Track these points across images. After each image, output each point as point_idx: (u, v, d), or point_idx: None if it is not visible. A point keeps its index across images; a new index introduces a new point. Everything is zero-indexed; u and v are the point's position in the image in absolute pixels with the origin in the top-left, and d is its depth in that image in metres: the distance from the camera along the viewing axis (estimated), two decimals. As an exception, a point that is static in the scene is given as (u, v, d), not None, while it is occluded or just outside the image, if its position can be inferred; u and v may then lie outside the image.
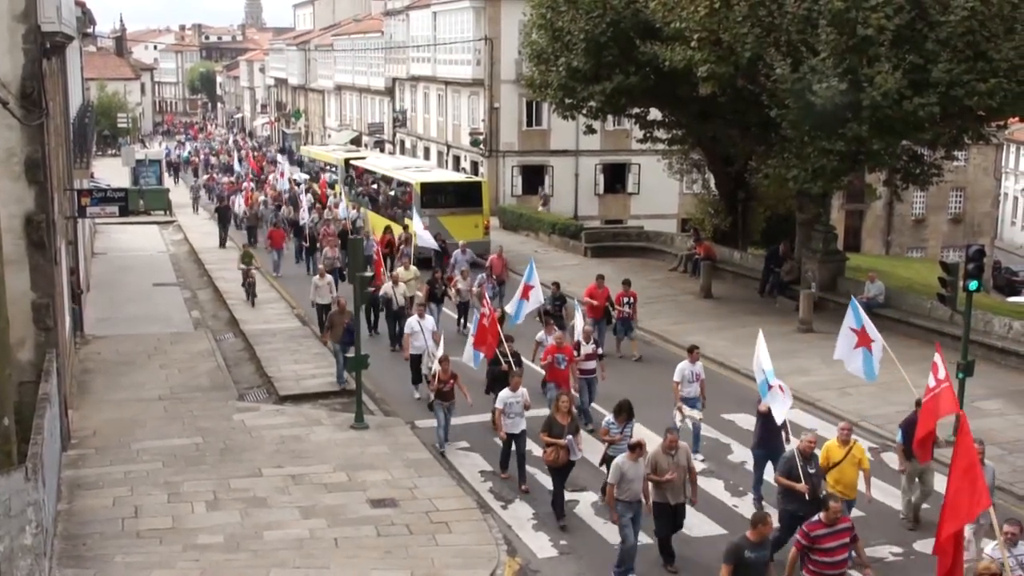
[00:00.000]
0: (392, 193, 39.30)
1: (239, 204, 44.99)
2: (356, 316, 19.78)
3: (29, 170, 15.76)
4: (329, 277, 26.50)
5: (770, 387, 14.92)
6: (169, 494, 15.65)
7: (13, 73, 15.47)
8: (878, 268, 31.38)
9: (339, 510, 15.21)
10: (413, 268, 27.01)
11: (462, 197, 35.91)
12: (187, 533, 14.33)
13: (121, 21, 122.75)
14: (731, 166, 34.79)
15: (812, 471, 13.37)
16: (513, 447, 16.52)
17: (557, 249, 39.33)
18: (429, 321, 21.18)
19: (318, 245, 34.09)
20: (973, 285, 18.23)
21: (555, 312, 23.66)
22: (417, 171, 39.64)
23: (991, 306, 28.21)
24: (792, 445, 14.25)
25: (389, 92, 65.07)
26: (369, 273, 25.59)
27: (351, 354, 19.86)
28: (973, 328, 20.12)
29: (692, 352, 18.16)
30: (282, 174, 49.84)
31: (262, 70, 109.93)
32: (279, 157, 64.54)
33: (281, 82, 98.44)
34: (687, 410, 17.63)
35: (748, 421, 19.37)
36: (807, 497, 13.07)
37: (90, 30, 35.72)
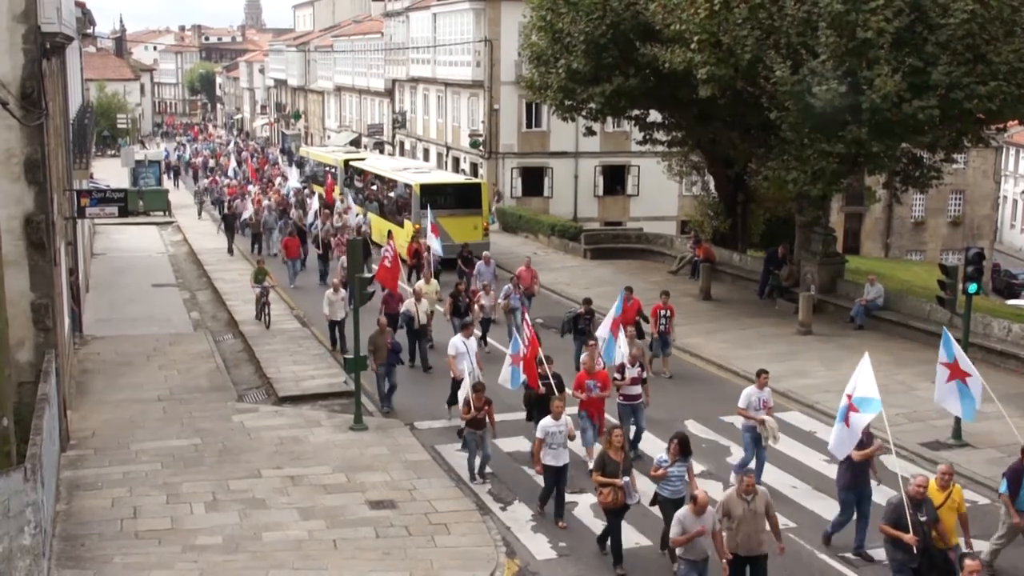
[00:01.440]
0: (391, 194, 39.31)
1: (249, 209, 41.62)
2: (356, 317, 19.70)
3: (29, 171, 15.77)
4: (344, 291, 24.24)
5: (850, 410, 13.51)
6: (168, 495, 15.64)
7: (13, 73, 15.48)
8: (877, 271, 31.44)
9: (338, 511, 15.20)
10: (434, 281, 25.95)
11: (461, 199, 35.91)
12: (186, 534, 14.32)
13: (121, 22, 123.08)
14: (731, 168, 34.80)
15: (923, 518, 12.19)
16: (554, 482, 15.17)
17: (556, 251, 39.34)
18: (473, 342, 19.75)
19: (332, 254, 32.76)
20: (972, 288, 18.25)
21: (584, 329, 22.32)
22: (416, 172, 39.64)
23: (990, 309, 28.25)
24: (895, 487, 13.03)
25: (389, 93, 65.07)
26: (370, 283, 25.49)
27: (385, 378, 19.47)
28: (972, 331, 20.13)
29: (760, 377, 16.42)
30: (286, 177, 49.34)
31: (262, 71, 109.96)
32: (282, 160, 63.67)
33: (281, 83, 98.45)
34: (769, 421, 16.11)
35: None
36: (915, 550, 12.04)
37: (90, 31, 35.80)
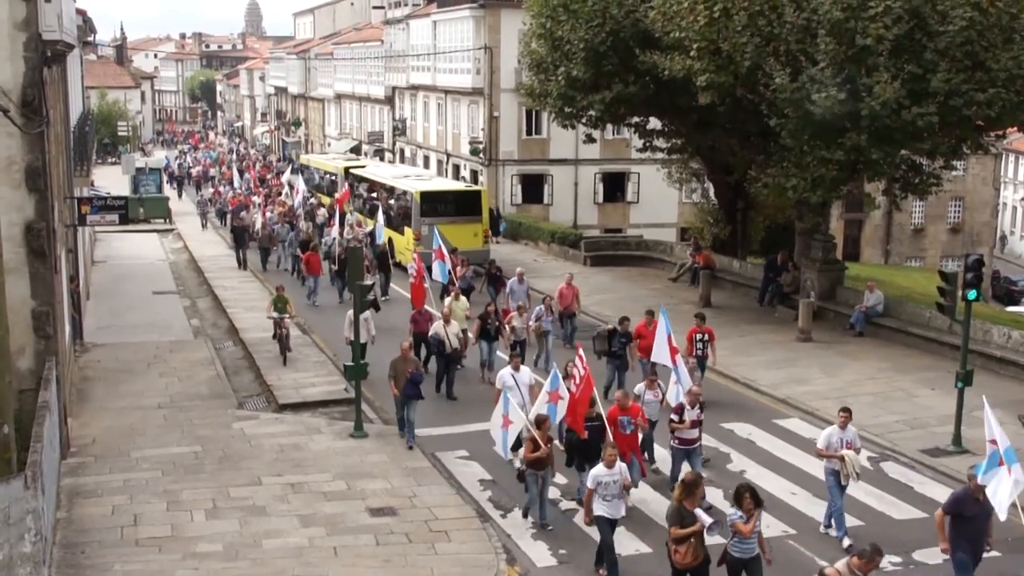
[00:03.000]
0: (392, 202, 39.32)
1: (258, 222, 39.75)
2: (356, 322, 19.72)
3: (29, 178, 15.81)
4: (367, 313, 22.50)
5: (1000, 464, 12.57)
6: (168, 502, 15.64)
7: (14, 81, 15.52)
8: (877, 277, 31.41)
9: (338, 519, 15.20)
10: (463, 299, 24.37)
11: (462, 206, 35.93)
12: (186, 541, 14.32)
13: (122, 29, 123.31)
14: (730, 175, 34.83)
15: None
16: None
17: (556, 258, 39.36)
18: (525, 373, 17.94)
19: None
20: (972, 295, 18.26)
21: (619, 352, 20.63)
22: (417, 180, 39.67)
23: (990, 315, 28.24)
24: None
25: (389, 101, 65.16)
26: (370, 291, 24.42)
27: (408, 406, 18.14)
28: (972, 338, 20.12)
29: (841, 415, 14.89)
30: (292, 186, 47.94)
31: (262, 79, 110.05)
32: (288, 171, 60.09)
33: (281, 91, 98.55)
34: (849, 455, 14.63)
35: (747, 430, 19.44)
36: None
37: (91, 38, 35.79)
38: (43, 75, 16.01)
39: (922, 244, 59.58)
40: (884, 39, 23.14)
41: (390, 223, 38.09)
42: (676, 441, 16.11)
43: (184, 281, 36.00)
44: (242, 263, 37.92)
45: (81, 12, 27.96)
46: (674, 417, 16.05)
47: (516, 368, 17.97)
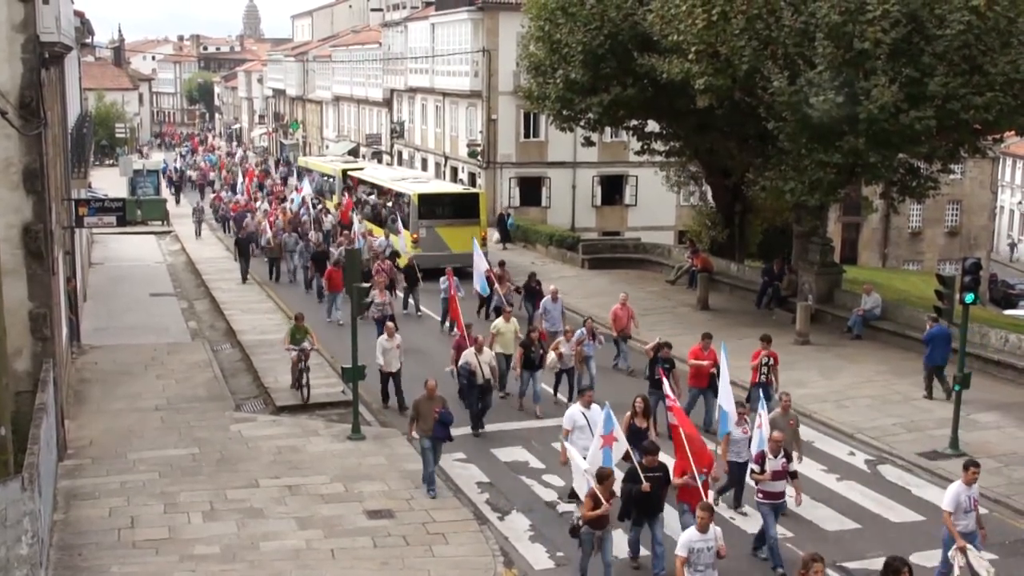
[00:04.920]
0: (390, 204, 39.32)
1: (268, 232, 37.22)
2: (354, 325, 19.66)
3: (27, 180, 15.80)
4: (398, 337, 20.77)
5: None
6: (165, 504, 15.63)
7: (12, 83, 15.52)
8: (875, 281, 31.44)
9: (336, 521, 15.19)
10: (514, 320, 22.35)
11: (460, 208, 35.95)
12: (183, 543, 14.31)
13: (119, 31, 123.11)
14: (728, 178, 34.86)
15: None
16: None
17: (555, 261, 39.37)
18: (596, 411, 15.42)
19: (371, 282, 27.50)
20: (969, 298, 18.28)
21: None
22: (415, 182, 39.67)
23: (987, 319, 28.27)
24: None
25: (387, 103, 65.17)
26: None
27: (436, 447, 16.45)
28: (969, 341, 20.15)
29: (968, 471, 13.22)
30: (299, 190, 46.93)
31: (260, 81, 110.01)
32: (291, 176, 57.62)
33: (279, 93, 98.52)
34: (974, 555, 12.99)
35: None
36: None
37: (88, 40, 35.81)
38: (41, 77, 16.00)
39: (920, 247, 59.64)
40: (882, 43, 23.18)
41: (387, 225, 38.13)
42: (761, 495, 14.16)
43: (182, 283, 35.98)
44: (245, 276, 35.07)
45: (79, 14, 27.97)
46: (754, 467, 14.26)
47: (587, 405, 15.95)
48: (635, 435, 15.38)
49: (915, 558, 14.32)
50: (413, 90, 59.04)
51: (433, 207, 35.64)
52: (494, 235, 42.12)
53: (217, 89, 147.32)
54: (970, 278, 18.37)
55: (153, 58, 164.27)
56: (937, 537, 13.64)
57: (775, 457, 13.99)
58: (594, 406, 15.73)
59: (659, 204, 48.16)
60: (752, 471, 14.29)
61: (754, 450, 14.53)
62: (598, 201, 49.92)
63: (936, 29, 23.42)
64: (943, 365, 21.30)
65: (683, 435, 13.78)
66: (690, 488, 13.61)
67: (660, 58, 27.15)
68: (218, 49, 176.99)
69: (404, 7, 62.30)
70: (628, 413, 15.95)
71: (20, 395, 15.30)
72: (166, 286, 35.02)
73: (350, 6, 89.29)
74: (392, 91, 63.75)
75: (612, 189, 50.09)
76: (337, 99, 78.01)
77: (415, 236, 34.24)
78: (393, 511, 15.57)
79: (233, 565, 13.74)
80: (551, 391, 21.10)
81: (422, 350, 24.41)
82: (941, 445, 18.49)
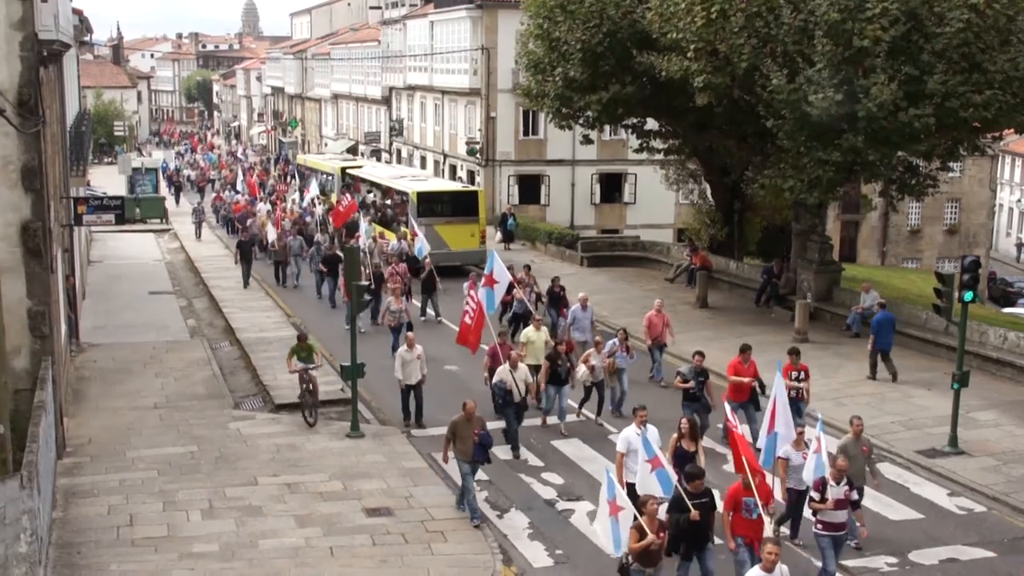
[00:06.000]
0: (388, 202, 39.30)
1: (272, 233, 36.09)
2: (352, 326, 19.65)
3: (25, 178, 15.78)
4: (419, 348, 19.44)
5: None
6: (164, 502, 15.63)
7: (10, 81, 15.50)
8: (874, 279, 31.44)
9: (335, 519, 15.19)
10: (544, 329, 21.27)
11: (458, 206, 35.96)
12: (182, 542, 14.31)
13: (118, 29, 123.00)
14: (727, 176, 34.87)
15: None
16: None
17: (554, 259, 39.36)
18: (653, 432, 14.47)
19: (384, 288, 26.85)
20: (968, 296, 18.28)
21: (697, 394, 17.92)
22: (413, 180, 39.67)
23: (986, 317, 28.32)
24: None
25: (386, 101, 65.15)
26: (378, 299, 23.04)
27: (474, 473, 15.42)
28: (968, 339, 20.16)
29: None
30: (306, 191, 46.13)
31: (259, 79, 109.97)
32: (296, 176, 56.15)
33: (278, 91, 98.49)
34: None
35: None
36: None
37: (87, 38, 35.75)
38: (39, 75, 15.99)
39: (919, 245, 59.65)
40: (881, 41, 23.18)
41: (386, 223, 38.16)
42: (820, 526, 13.13)
43: (180, 281, 35.98)
44: (247, 281, 33.61)
45: (77, 12, 27.90)
46: (814, 495, 13.17)
47: (642, 425, 14.60)
48: (682, 459, 14.31)
49: (914, 556, 14.37)
50: (412, 88, 59.03)
51: (432, 205, 35.65)
52: (495, 235, 42.07)
53: (216, 87, 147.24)
54: (969, 276, 18.38)
55: (152, 56, 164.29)
56: (937, 536, 13.65)
57: (837, 484, 13.03)
58: (650, 426, 14.57)
59: (658, 202, 48.18)
60: (811, 499, 13.23)
61: (812, 476, 13.51)
62: (597, 199, 49.93)
63: (935, 27, 23.41)
64: (888, 349, 22.56)
65: (745, 464, 12.65)
66: (748, 521, 12.50)
67: (659, 56, 27.13)
68: (217, 47, 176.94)
69: (403, 5, 62.26)
70: (674, 435, 14.87)
71: (19, 393, 15.30)
72: (165, 284, 35.01)
73: (349, 4, 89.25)
74: (391, 89, 63.74)
75: (611, 187, 50.10)
76: (336, 97, 77.99)
77: (414, 234, 34.24)
78: (392, 509, 15.57)
79: (232, 563, 13.74)
80: (574, 404, 19.84)
81: (440, 359, 23.13)
82: (940, 443, 18.50)
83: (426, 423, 19.52)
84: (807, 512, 13.73)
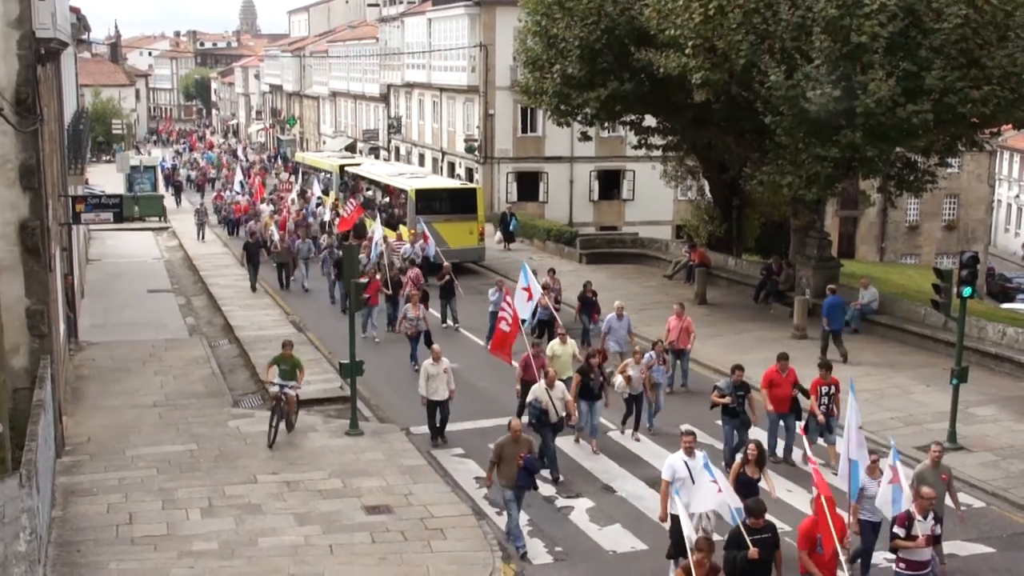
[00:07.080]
0: (387, 199, 39.29)
1: (276, 234, 35.41)
2: (351, 320, 19.65)
3: (24, 176, 15.77)
4: (446, 361, 18.48)
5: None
6: (163, 501, 15.63)
7: (8, 79, 15.48)
8: (872, 275, 31.48)
9: (334, 516, 15.19)
10: (571, 341, 19.83)
11: (457, 204, 35.96)
12: (181, 540, 14.31)
13: (116, 27, 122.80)
14: (726, 173, 34.86)
15: None
16: None
17: (552, 256, 39.35)
18: (700, 458, 12.85)
19: (401, 293, 26.04)
20: (967, 292, 18.28)
21: (737, 408, 16.88)
22: (412, 177, 39.67)
23: (985, 313, 28.33)
24: None
25: (384, 99, 65.14)
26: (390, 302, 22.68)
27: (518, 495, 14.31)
28: (967, 335, 20.17)
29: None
30: (305, 193, 45.75)
31: (257, 76, 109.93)
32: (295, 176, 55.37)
33: (276, 88, 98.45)
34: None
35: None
36: None
37: (85, 36, 35.73)
38: (37, 73, 15.97)
39: (917, 241, 59.70)
40: (879, 36, 23.18)
41: (384, 221, 38.07)
42: (903, 565, 11.86)
43: (179, 279, 35.97)
44: (255, 285, 32.61)
45: (75, 10, 27.90)
46: (898, 531, 11.85)
47: (689, 451, 13.21)
48: (746, 487, 13.14)
49: (913, 552, 14.36)
50: (410, 85, 59.01)
51: (430, 202, 35.64)
52: (495, 233, 42.06)
53: (214, 85, 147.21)
54: (967, 272, 18.38)
55: (150, 54, 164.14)
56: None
57: (925, 519, 11.78)
58: (699, 453, 13.13)
59: (657, 199, 48.20)
60: (895, 536, 11.91)
61: (888, 506, 12.43)
62: (596, 196, 49.94)
63: (933, 23, 23.42)
64: (839, 331, 23.90)
65: (822, 498, 11.38)
66: (821, 559, 11.40)
67: (657, 53, 27.13)
68: (215, 45, 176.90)
69: (401, 2, 62.26)
70: (738, 460, 13.91)
71: (18, 392, 15.30)
72: (163, 282, 35.01)
73: (347, 1, 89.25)
74: (389, 86, 63.73)
75: (609, 184, 50.11)
76: (334, 95, 77.96)
77: (412, 232, 34.23)
78: (391, 507, 15.57)
79: (231, 561, 13.74)
80: (606, 423, 18.91)
81: (461, 372, 21.29)
82: (939, 438, 18.46)
83: (420, 421, 19.08)
84: (879, 548, 12.87)
